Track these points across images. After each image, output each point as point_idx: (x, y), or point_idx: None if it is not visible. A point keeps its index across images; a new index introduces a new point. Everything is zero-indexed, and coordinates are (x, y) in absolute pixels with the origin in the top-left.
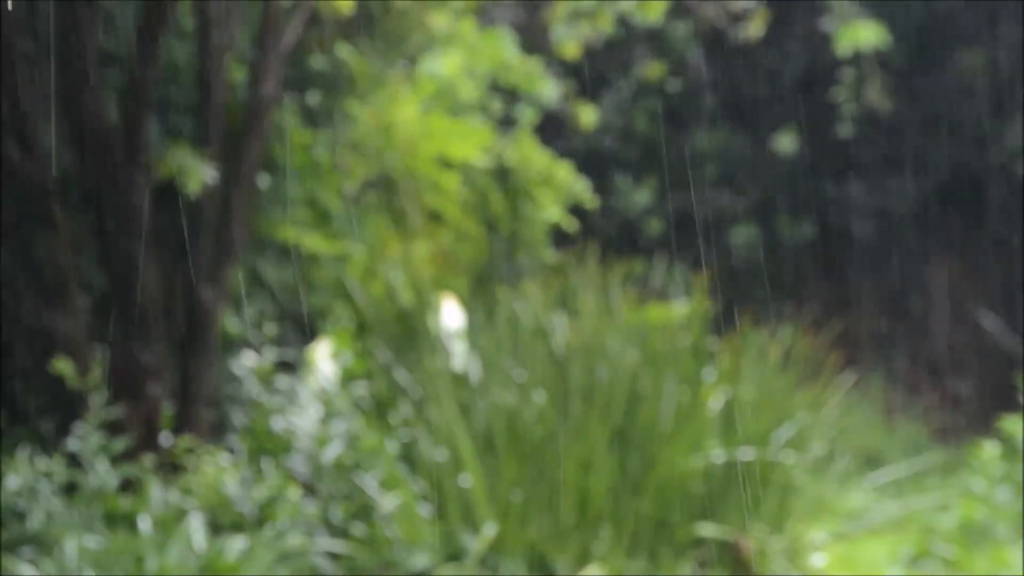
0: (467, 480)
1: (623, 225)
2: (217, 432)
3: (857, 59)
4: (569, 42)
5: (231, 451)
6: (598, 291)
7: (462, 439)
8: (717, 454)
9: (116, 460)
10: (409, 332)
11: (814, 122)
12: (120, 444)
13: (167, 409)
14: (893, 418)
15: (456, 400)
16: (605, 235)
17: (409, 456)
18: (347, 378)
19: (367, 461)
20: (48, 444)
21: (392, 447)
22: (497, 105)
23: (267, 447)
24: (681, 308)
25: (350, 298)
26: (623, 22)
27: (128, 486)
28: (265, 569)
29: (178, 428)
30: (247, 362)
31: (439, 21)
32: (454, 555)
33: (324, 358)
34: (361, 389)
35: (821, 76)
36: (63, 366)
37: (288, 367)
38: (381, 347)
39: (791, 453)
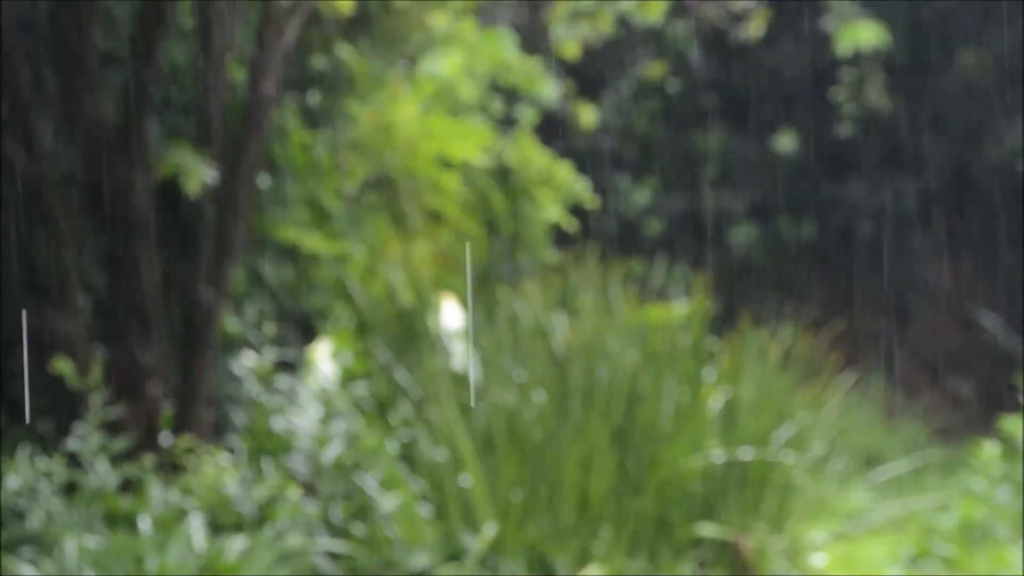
0: (467, 480)
1: (623, 225)
2: (217, 432)
3: (857, 59)
4: (569, 42)
5: (231, 451)
6: (598, 291)
7: (462, 439)
8: (717, 454)
9: (116, 460)
10: (409, 332)
11: (814, 122)
12: (120, 444)
13: (167, 409)
14: (893, 418)
15: (456, 400)
16: (605, 235)
17: (409, 456)
18: (347, 378)
19: (367, 461)
20: (48, 444)
21: (392, 447)
22: (497, 105)
23: (267, 447)
24: (681, 308)
25: (350, 298)
26: (623, 22)
27: (128, 486)
28: (265, 569)
29: (178, 428)
30: (247, 362)
31: (439, 21)
32: (454, 555)
33: (324, 358)
34: (361, 389)
35: (821, 76)
36: (63, 366)
37: (288, 367)
38: (381, 347)
39: (791, 453)
